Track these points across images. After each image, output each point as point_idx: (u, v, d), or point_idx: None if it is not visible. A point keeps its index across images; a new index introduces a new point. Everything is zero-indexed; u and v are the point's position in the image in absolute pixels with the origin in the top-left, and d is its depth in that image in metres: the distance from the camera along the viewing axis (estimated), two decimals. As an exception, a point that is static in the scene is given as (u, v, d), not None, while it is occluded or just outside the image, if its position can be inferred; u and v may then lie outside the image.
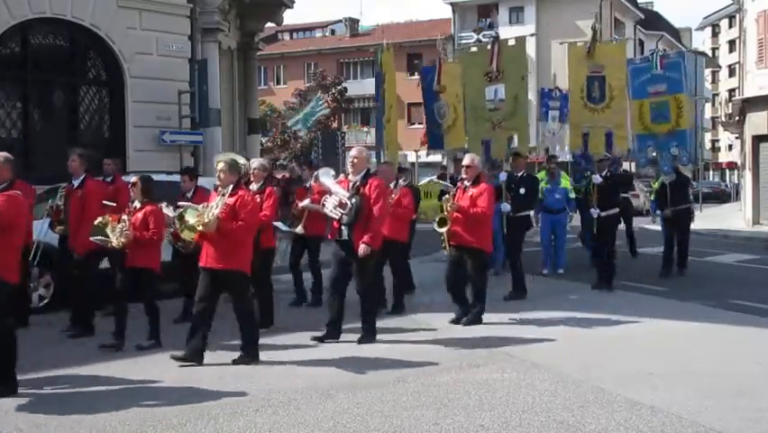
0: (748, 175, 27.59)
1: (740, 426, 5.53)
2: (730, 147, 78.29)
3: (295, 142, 46.45)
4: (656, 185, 14.15)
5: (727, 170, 74.00)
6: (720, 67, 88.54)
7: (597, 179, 11.80)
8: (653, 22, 64.47)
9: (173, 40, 15.40)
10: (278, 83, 57.43)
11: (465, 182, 9.37)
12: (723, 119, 52.58)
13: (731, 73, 77.80)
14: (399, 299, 10.15)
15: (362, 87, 50.00)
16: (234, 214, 7.26)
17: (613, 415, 5.73)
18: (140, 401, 6.19)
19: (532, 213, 13.98)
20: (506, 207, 11.29)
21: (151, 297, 8.23)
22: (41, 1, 13.83)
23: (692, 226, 14.46)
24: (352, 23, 59.50)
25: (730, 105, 39.80)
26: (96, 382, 6.81)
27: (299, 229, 10.15)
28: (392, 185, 10.07)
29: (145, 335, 8.12)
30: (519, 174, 11.63)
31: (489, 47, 12.14)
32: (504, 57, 11.85)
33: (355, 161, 8.32)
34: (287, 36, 60.36)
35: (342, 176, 8.68)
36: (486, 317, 9.71)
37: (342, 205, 8.06)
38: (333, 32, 61.47)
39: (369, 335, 8.31)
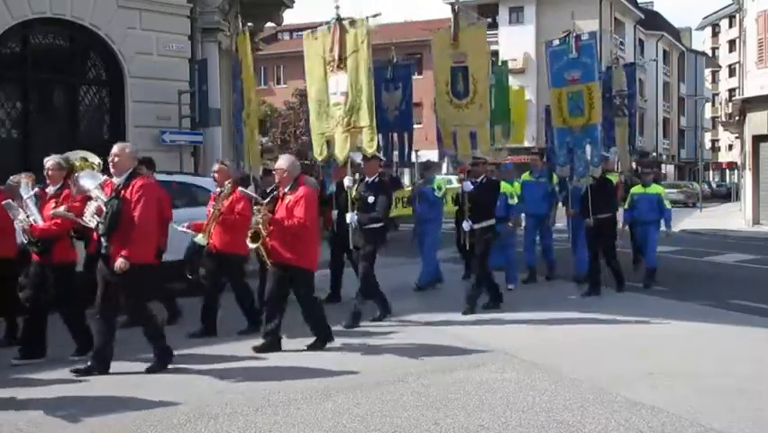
0: (748, 175, 27.64)
1: (740, 426, 5.53)
2: (730, 147, 78.48)
3: (295, 142, 46.44)
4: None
5: (727, 170, 74.06)
6: (720, 67, 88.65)
7: (467, 186, 10.07)
8: (653, 21, 64.63)
9: (173, 40, 15.41)
10: (278, 83, 57.45)
11: (282, 189, 8.02)
12: (723, 119, 52.67)
13: (731, 73, 77.87)
14: (212, 323, 8.72)
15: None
16: None
17: (613, 415, 5.73)
18: (139, 401, 6.18)
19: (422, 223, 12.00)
20: (352, 217, 9.48)
21: None
22: (41, 1, 13.83)
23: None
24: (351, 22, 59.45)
25: (730, 104, 39.84)
26: (95, 381, 6.80)
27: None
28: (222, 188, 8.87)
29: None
30: (372, 179, 9.66)
31: (329, 30, 10.09)
32: (346, 42, 9.85)
33: (116, 159, 7.11)
34: (287, 36, 60.35)
35: (106, 177, 7.39)
36: (485, 318, 9.72)
37: (99, 211, 6.95)
38: (332, 31, 61.37)
39: (161, 362, 7.16)
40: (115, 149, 7.14)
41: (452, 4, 54.09)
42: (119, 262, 6.74)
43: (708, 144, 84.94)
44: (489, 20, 53.72)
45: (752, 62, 27.26)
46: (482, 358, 7.59)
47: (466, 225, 9.99)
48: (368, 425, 5.57)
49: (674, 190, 40.80)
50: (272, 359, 7.59)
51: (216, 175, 9.00)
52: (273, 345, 7.94)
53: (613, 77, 14.49)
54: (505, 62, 18.67)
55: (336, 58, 9.80)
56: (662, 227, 12.54)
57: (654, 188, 12.82)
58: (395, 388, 6.50)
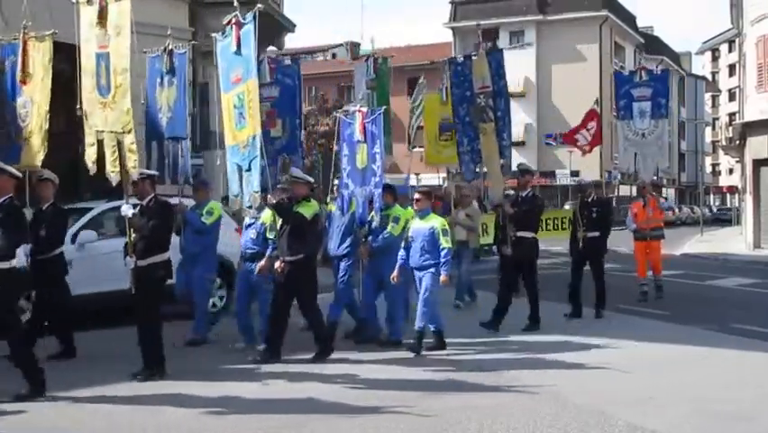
0: (749, 199, 27.65)
1: (742, 451, 5.50)
2: (731, 171, 78.54)
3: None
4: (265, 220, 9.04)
5: (728, 194, 74.12)
6: (720, 91, 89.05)
7: (126, 210, 7.76)
8: (653, 46, 65.05)
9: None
10: (279, 106, 57.60)
11: None
12: (723, 143, 52.73)
13: (731, 97, 78.20)
14: None
15: (363, 110, 50.07)
16: None
17: (614, 440, 5.70)
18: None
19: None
20: (21, 260, 7.39)
21: None
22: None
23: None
24: (353, 46, 59.86)
25: (730, 129, 39.92)
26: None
27: None
28: None
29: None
30: (46, 206, 8.20)
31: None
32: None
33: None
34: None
35: None
36: (485, 341, 9.68)
37: None
38: (334, 55, 61.80)
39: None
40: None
41: (452, 29, 53.98)
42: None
43: (708, 168, 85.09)
44: (490, 44, 54.24)
45: (751, 87, 27.36)
46: (482, 382, 7.55)
47: (129, 262, 7.67)
48: (366, 449, 5.53)
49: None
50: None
51: None
52: None
53: (473, 69, 11.35)
54: (386, 59, 13.30)
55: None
56: (442, 273, 8.72)
57: (431, 219, 9.01)
58: (394, 411, 6.45)
